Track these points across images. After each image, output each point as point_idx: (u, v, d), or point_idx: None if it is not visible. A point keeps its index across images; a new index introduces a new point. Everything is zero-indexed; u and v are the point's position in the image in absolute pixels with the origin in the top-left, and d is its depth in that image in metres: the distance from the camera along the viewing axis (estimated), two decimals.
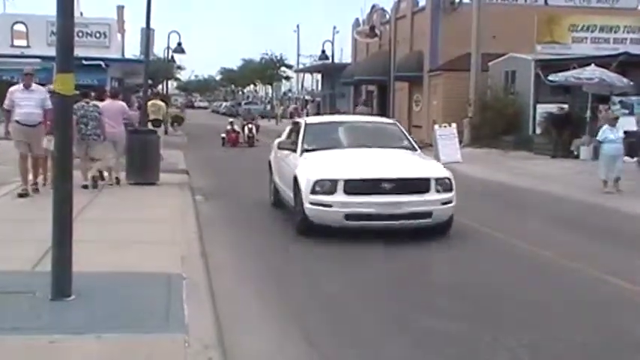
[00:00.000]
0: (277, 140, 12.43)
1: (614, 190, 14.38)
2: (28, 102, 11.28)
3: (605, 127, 15.00)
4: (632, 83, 21.50)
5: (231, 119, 30.70)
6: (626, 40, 27.36)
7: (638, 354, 5.47)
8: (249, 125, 28.75)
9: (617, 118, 15.93)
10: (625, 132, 21.21)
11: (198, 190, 13.75)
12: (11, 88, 11.70)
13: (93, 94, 13.76)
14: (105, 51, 31.09)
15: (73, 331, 4.98)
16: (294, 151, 10.61)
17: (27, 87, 11.36)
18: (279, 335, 5.65)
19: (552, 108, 23.01)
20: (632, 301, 6.81)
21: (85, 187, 12.21)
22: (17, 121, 11.35)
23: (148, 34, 18.09)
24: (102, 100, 13.75)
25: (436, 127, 22.95)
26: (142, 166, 13.64)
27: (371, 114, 35.88)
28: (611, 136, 14.70)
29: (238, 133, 28.58)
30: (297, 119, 12.28)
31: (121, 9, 37.48)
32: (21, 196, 11.17)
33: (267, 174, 12.60)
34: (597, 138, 15.12)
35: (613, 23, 27.75)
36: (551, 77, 22.45)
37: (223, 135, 28.48)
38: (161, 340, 4.94)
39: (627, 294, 6.99)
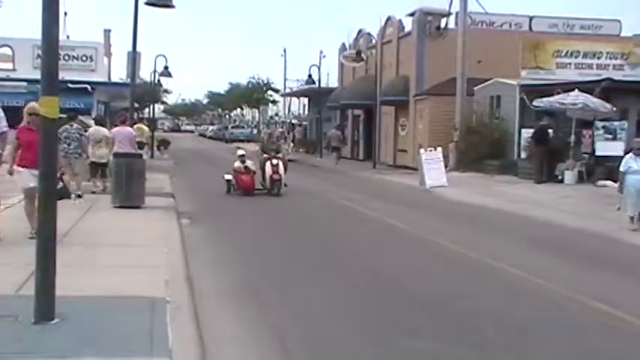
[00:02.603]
0: None
1: (638, 226, 12.79)
2: None
3: (629, 155, 13.30)
4: (614, 109, 21.73)
5: (240, 151, 19.63)
6: (608, 66, 27.69)
7: None
8: (274, 161, 18.43)
9: None
10: (604, 156, 21.59)
11: (183, 214, 13.72)
12: None
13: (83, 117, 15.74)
14: (91, 74, 31.08)
15: (55, 355, 4.92)
16: None
17: None
18: (262, 358, 5.62)
19: None
20: (603, 322, 6.82)
21: (79, 196, 13.93)
22: None
23: (134, 57, 18.24)
24: (115, 125, 16.56)
25: (422, 151, 23.06)
26: (128, 189, 13.64)
27: (342, 139, 36.99)
28: (634, 165, 12.98)
29: (254, 173, 18.66)
30: None
31: (107, 32, 37.57)
32: None
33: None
34: (620, 168, 13.35)
35: (596, 49, 28.08)
36: (535, 102, 22.66)
37: (228, 177, 18.67)
38: None
39: (596, 315, 7.02)
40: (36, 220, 8.14)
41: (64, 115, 15.95)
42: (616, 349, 6.06)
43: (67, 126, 14.71)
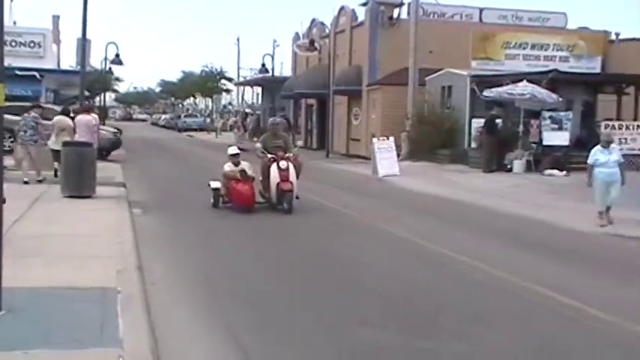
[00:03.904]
0: None
1: (607, 222, 12.39)
2: None
3: (597, 148, 12.71)
4: (561, 99, 22.27)
5: (233, 149, 14.25)
6: (555, 57, 28.31)
7: None
8: (282, 163, 13.28)
9: (610, 142, 12.87)
10: (551, 146, 22.13)
11: (135, 203, 13.59)
12: None
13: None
14: (40, 61, 30.49)
15: (2, 347, 4.88)
16: None
17: None
18: (214, 348, 5.66)
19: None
20: (555, 310, 7.05)
21: (26, 182, 14.79)
22: None
23: (83, 44, 17.97)
24: (77, 113, 16.78)
25: (374, 140, 23.24)
26: (78, 178, 13.46)
27: (288, 127, 36.76)
28: (601, 158, 12.47)
29: (252, 180, 13.57)
30: None
31: (56, 19, 36.87)
32: None
33: None
34: (588, 161, 12.83)
35: (543, 41, 28.67)
36: (485, 93, 23.06)
37: (216, 185, 13.63)
38: (94, 356, 4.89)
39: (549, 303, 7.24)
40: None
41: (27, 104, 16.92)
42: (567, 336, 6.25)
43: (25, 114, 15.80)
